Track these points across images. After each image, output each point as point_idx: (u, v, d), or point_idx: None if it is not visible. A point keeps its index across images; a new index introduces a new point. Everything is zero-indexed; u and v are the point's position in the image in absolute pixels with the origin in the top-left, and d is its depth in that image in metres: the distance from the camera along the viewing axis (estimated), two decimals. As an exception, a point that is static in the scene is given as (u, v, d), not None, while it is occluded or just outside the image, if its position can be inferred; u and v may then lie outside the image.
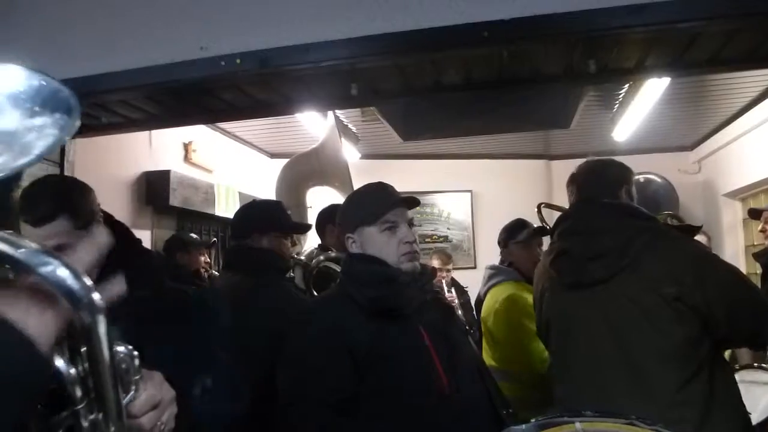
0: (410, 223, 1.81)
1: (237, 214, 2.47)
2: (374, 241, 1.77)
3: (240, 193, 5.06)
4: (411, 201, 1.83)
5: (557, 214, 2.32)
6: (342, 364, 1.59)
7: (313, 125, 4.79)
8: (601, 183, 2.00)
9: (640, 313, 1.75)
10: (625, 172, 2.05)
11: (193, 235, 4.04)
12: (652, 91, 4.23)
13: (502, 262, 3.10)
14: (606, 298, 1.82)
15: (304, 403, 1.57)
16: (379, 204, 1.79)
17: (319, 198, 4.39)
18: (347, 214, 1.88)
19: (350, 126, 5.36)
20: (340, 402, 1.57)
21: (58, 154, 2.54)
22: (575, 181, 2.08)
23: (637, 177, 2.40)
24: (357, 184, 4.10)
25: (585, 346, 1.89)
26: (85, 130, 2.57)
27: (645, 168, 5.68)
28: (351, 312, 1.68)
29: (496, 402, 1.75)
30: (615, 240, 1.83)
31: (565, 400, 1.97)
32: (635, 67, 2.10)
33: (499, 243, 3.12)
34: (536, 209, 2.72)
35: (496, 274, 3.04)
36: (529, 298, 2.70)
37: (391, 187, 1.86)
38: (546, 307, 2.09)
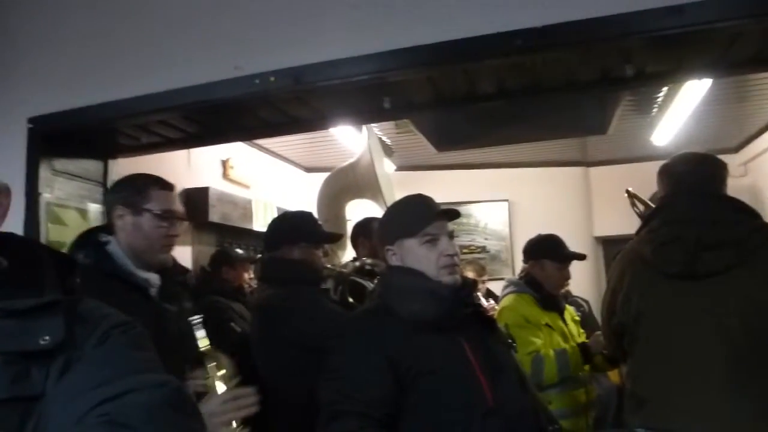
0: (451, 236, 1.79)
1: (269, 226, 2.50)
2: (414, 253, 1.76)
3: (277, 208, 5.11)
4: (451, 213, 1.82)
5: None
6: (384, 377, 1.57)
7: (347, 139, 4.83)
8: (704, 175, 1.92)
9: (755, 310, 1.67)
10: (724, 167, 1.97)
11: (239, 251, 4.08)
12: (693, 92, 4.13)
13: (525, 274, 2.99)
14: (718, 291, 1.73)
15: (347, 417, 1.54)
16: (419, 216, 1.77)
17: (358, 211, 4.41)
18: (387, 226, 1.88)
19: (384, 138, 5.37)
20: (384, 416, 1.55)
21: (101, 174, 2.62)
22: (671, 172, 1.99)
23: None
24: (394, 197, 4.10)
25: (685, 340, 1.77)
26: (125, 151, 2.65)
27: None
28: (392, 325, 1.66)
29: (542, 417, 1.72)
30: (733, 232, 1.75)
31: (652, 397, 1.84)
32: (674, 70, 2.05)
33: (528, 254, 3.00)
34: (626, 193, 2.61)
35: (507, 286, 3.00)
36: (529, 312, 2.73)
37: (431, 199, 1.84)
38: (638, 299, 1.93)
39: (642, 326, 1.92)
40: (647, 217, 2.04)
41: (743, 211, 1.83)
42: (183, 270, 1.97)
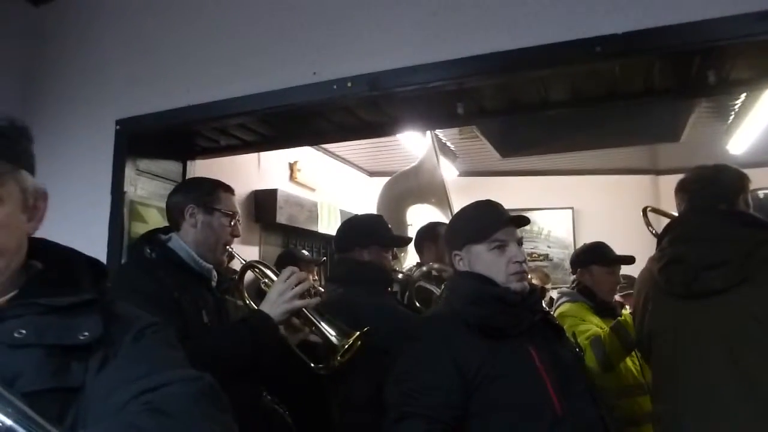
0: (519, 242, 1.79)
1: (340, 228, 2.53)
2: (482, 259, 1.77)
3: (341, 211, 5.19)
4: (520, 220, 1.82)
5: (664, 220, 2.23)
6: (451, 381, 1.59)
7: (411, 144, 4.86)
8: (716, 190, 1.91)
9: (759, 329, 1.64)
10: (741, 178, 1.95)
11: (305, 252, 4.15)
12: (774, 100, 3.96)
13: (576, 283, 2.99)
14: (721, 310, 1.72)
15: (414, 419, 1.56)
16: (488, 222, 1.78)
17: (419, 216, 4.42)
18: (455, 231, 1.89)
19: (448, 143, 5.38)
20: (451, 419, 1.57)
21: (180, 174, 2.74)
22: (686, 188, 2.00)
23: (757, 192, 2.27)
24: (456, 202, 4.11)
25: (694, 361, 1.78)
26: (204, 153, 2.76)
27: (763, 183, 5.27)
28: (460, 330, 1.68)
29: (610, 428, 1.69)
30: (735, 249, 1.73)
31: (668, 417, 1.86)
32: (759, 77, 1.97)
33: (576, 264, 3.02)
34: (642, 212, 2.61)
35: (561, 297, 3.02)
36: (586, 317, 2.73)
37: (500, 205, 1.85)
38: (650, 318, 1.98)
39: (653, 345, 1.96)
40: (660, 236, 2.04)
41: (752, 226, 1.80)
42: (233, 272, 2.11)
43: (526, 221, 1.85)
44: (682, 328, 1.83)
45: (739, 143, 4.96)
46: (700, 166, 2.05)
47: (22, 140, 0.97)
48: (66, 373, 0.86)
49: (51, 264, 1.00)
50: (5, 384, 0.76)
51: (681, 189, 2.02)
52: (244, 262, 1.98)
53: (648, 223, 2.54)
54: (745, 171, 2.03)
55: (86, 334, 0.89)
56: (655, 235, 2.14)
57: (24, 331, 0.86)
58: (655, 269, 1.96)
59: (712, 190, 1.92)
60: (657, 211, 2.57)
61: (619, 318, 2.61)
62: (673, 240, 1.94)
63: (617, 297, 3.16)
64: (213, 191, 1.96)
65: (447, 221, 2.49)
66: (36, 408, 0.75)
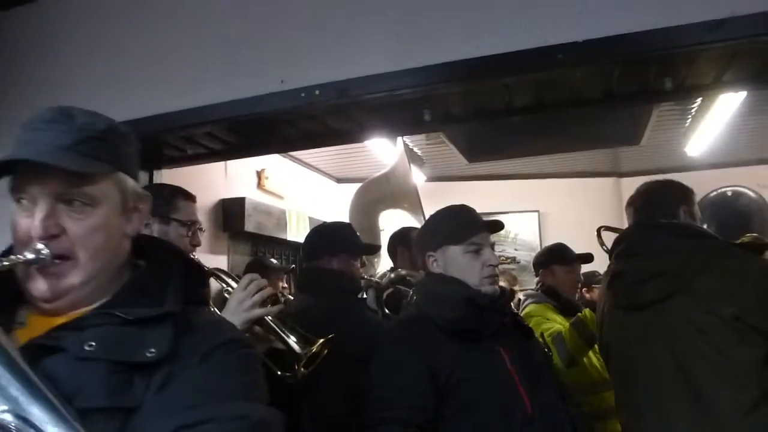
0: (492, 247, 1.84)
1: (308, 236, 2.52)
2: (458, 261, 1.81)
3: (309, 218, 5.17)
4: (495, 225, 1.87)
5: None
6: (425, 385, 1.62)
7: (378, 150, 4.88)
8: (658, 203, 1.99)
9: (697, 334, 1.70)
10: (684, 191, 2.02)
11: (274, 260, 4.13)
12: (728, 103, 4.09)
13: (540, 285, 3.12)
14: (661, 319, 1.79)
15: (389, 424, 1.59)
16: (465, 226, 1.83)
17: (392, 221, 4.44)
18: (430, 232, 1.92)
19: (415, 149, 5.41)
20: (425, 422, 1.59)
21: (147, 184, 2.70)
22: (633, 203, 2.08)
23: (724, 190, 2.36)
24: (423, 207, 4.12)
25: (644, 369, 1.85)
26: (171, 162, 2.72)
27: (720, 183, 5.43)
28: (431, 333, 1.71)
29: (578, 425, 1.74)
30: (671, 261, 1.80)
31: (628, 424, 1.94)
32: (713, 83, 2.05)
33: (538, 265, 3.16)
34: (596, 233, 2.71)
35: (527, 299, 3.13)
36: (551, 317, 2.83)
37: (475, 210, 1.91)
38: (606, 329, 2.07)
39: (610, 356, 2.05)
40: (609, 252, 2.13)
41: (689, 237, 1.87)
42: None
43: (501, 227, 1.90)
44: (630, 338, 1.91)
45: (696, 146, 5.11)
46: (645, 182, 2.13)
47: (122, 144, 1.00)
48: (127, 392, 0.83)
49: (151, 264, 1.00)
50: (65, 400, 0.74)
51: (629, 204, 2.11)
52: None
53: (602, 243, 2.62)
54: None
55: (153, 351, 0.86)
56: (607, 251, 2.22)
57: (93, 344, 0.85)
58: (605, 284, 2.06)
59: (654, 203, 2.00)
60: (611, 228, 2.66)
61: (579, 314, 2.69)
62: (618, 255, 2.02)
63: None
64: (171, 200, 1.91)
65: (419, 226, 2.51)
66: (93, 426, 0.73)
